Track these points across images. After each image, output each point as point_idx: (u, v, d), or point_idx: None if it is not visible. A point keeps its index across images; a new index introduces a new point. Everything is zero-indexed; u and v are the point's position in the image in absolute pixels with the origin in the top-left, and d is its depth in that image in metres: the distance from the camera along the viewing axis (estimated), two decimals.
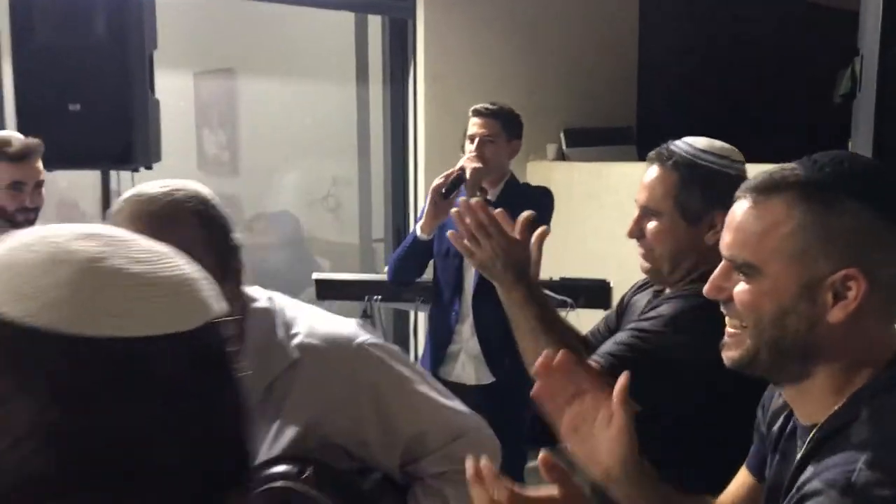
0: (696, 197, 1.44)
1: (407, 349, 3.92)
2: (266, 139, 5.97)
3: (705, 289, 1.06)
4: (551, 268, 4.46)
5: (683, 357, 1.35)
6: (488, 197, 2.68)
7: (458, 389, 2.65)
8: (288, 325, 1.19)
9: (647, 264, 1.55)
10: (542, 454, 1.01)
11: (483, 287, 2.64)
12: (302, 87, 5.26)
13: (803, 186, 0.99)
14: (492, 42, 4.31)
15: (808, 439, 1.00)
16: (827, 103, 2.78)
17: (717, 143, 1.51)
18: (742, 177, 1.43)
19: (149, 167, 2.96)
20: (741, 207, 1.03)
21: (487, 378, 2.69)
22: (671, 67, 5.04)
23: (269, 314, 1.19)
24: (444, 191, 2.58)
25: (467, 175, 2.58)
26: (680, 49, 5.09)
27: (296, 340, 1.18)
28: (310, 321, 1.21)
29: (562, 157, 4.60)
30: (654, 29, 5.03)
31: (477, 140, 2.65)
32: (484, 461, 1.01)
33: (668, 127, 4.98)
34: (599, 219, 4.25)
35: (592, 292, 3.08)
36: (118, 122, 2.69)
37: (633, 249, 4.16)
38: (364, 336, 1.23)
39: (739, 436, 1.22)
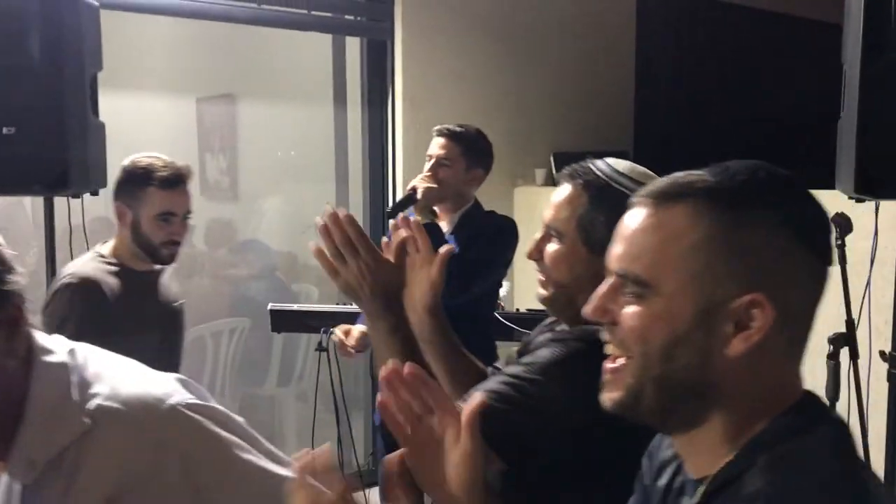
0: (602, 223, 1.27)
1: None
2: (261, 164, 5.90)
3: (586, 308, 0.91)
4: (531, 299, 4.31)
5: (555, 409, 1.17)
6: (441, 224, 2.53)
7: None
8: (85, 385, 1.03)
9: (542, 291, 1.37)
10: (389, 458, 0.98)
11: None
12: (292, 112, 5.17)
13: (711, 195, 0.86)
14: (475, 63, 4.17)
15: (696, 494, 0.86)
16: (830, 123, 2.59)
17: (640, 169, 1.37)
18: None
19: (94, 193, 2.85)
20: (637, 215, 0.90)
21: None
22: (670, 88, 4.86)
23: (64, 371, 1.03)
24: (389, 209, 2.44)
25: (418, 195, 2.43)
26: (679, 69, 4.92)
27: (92, 403, 1.01)
28: (115, 379, 1.05)
29: (552, 182, 4.42)
30: (652, 49, 4.85)
31: (433, 161, 2.50)
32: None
33: (667, 151, 4.86)
34: None
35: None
36: (52, 146, 2.56)
37: None
38: (180, 396, 1.06)
39: (617, 494, 1.05)
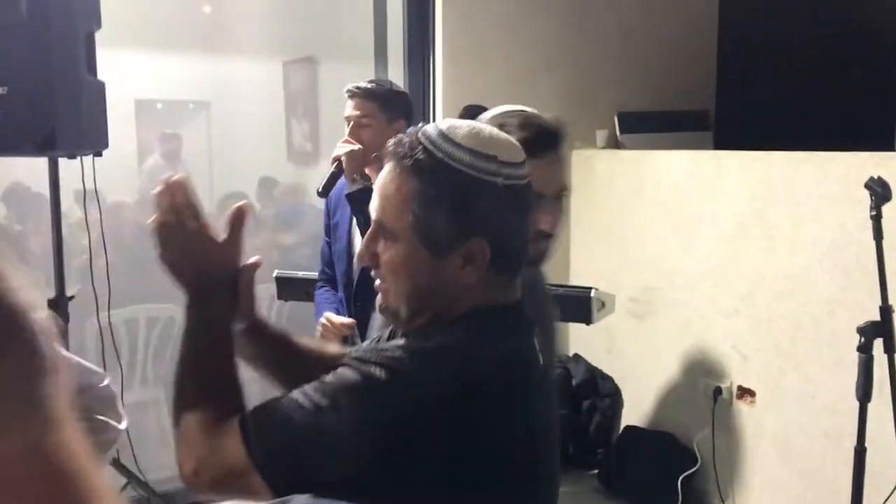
0: (442, 218, 1.02)
1: None
2: (338, 129, 5.84)
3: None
4: (586, 276, 4.04)
5: (335, 444, 0.96)
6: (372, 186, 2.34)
7: None
8: None
9: (380, 300, 1.11)
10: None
11: (365, 287, 2.30)
12: (365, 74, 5.05)
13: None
14: (525, 15, 3.87)
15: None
16: None
17: (486, 133, 1.05)
18: (517, 187, 1.04)
19: (98, 154, 2.83)
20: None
21: None
22: (760, 40, 4.37)
23: None
24: (319, 189, 2.30)
25: (344, 164, 2.27)
26: (771, 16, 4.42)
27: None
28: None
29: (615, 144, 4.09)
30: None
31: (351, 123, 2.32)
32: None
33: (755, 112, 4.39)
34: (643, 217, 3.73)
35: (571, 305, 2.64)
36: (40, 105, 2.53)
37: (682, 253, 3.61)
38: None
39: None
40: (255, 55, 6.72)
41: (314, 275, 2.85)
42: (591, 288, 2.67)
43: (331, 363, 1.09)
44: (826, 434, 2.94)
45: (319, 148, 6.07)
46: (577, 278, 4.15)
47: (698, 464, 3.42)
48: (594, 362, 4.03)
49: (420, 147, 1.03)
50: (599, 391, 3.92)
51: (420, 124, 1.07)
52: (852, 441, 2.87)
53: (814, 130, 3.28)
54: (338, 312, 2.48)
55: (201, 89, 6.98)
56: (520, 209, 1.05)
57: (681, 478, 3.36)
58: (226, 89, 6.79)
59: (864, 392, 1.96)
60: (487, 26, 3.80)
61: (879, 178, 1.98)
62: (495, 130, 1.08)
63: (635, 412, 3.87)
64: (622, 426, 3.86)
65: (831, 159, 2.91)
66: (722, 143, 4.33)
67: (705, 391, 3.42)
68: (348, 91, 2.42)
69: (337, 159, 2.33)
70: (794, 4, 4.38)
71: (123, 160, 6.54)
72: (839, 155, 2.89)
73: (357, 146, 2.32)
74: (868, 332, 1.96)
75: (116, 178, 6.11)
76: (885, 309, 2.01)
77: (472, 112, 3.25)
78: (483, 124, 1.09)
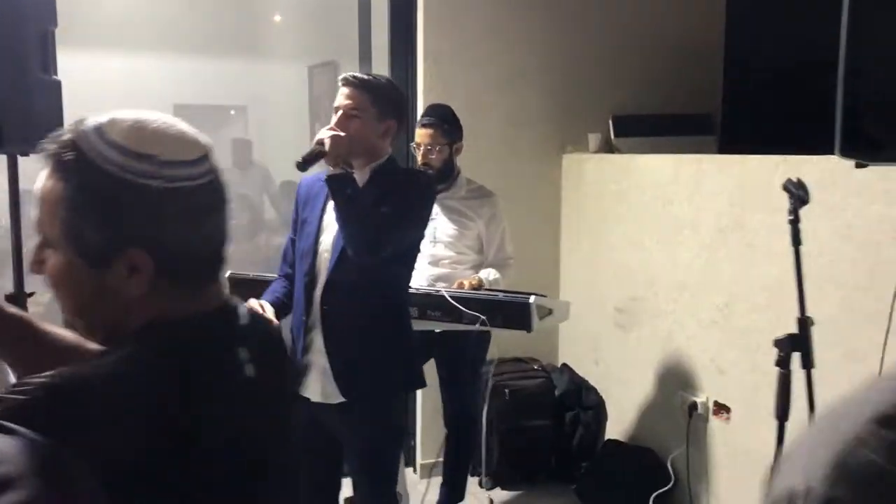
0: (92, 225, 0.90)
1: None
2: None
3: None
4: (574, 283, 3.92)
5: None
6: (355, 175, 2.27)
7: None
8: None
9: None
10: None
11: (333, 288, 2.24)
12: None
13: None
14: (512, 14, 3.79)
15: None
16: None
17: (152, 128, 0.92)
18: (185, 189, 0.91)
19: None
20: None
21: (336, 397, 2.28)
22: (767, 42, 4.17)
23: None
24: (300, 160, 2.20)
25: (326, 147, 2.19)
26: (778, 18, 4.21)
27: None
28: None
29: (609, 149, 3.96)
30: None
31: (340, 112, 2.25)
32: None
33: (766, 117, 4.21)
34: (628, 224, 3.60)
35: (511, 312, 2.54)
36: None
37: (666, 261, 3.49)
38: None
39: None
40: (286, 60, 6.82)
41: (270, 276, 2.82)
42: (530, 294, 2.57)
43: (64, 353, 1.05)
44: None
45: None
46: (567, 286, 4.04)
47: (671, 482, 3.27)
48: (581, 373, 3.91)
49: (71, 145, 0.90)
50: (583, 402, 3.79)
51: (81, 118, 0.94)
52: None
53: (825, 134, 3.10)
54: (283, 307, 2.43)
55: (237, 93, 7.11)
56: (189, 212, 0.92)
57: (653, 496, 3.21)
58: (260, 93, 6.90)
59: (783, 409, 1.81)
60: (473, 27, 3.72)
61: (798, 179, 1.84)
62: (171, 124, 0.94)
63: (619, 425, 3.73)
64: (606, 439, 3.73)
65: (806, 162, 2.74)
66: (727, 147, 4.16)
67: (682, 406, 3.26)
68: (343, 79, 2.33)
69: (321, 142, 2.24)
70: (804, 4, 4.17)
71: None
72: (814, 159, 2.72)
73: (341, 133, 2.24)
74: (785, 346, 1.81)
75: None
76: (802, 321, 1.85)
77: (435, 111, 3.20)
78: (156, 116, 0.95)
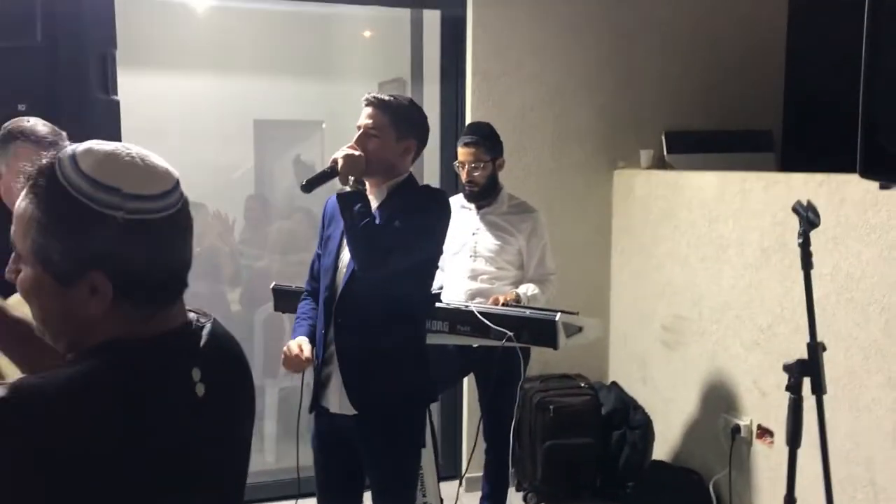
0: (57, 248, 0.97)
1: None
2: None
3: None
4: (624, 299, 3.87)
5: None
6: (371, 193, 2.34)
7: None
8: None
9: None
10: None
11: (346, 302, 2.30)
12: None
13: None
14: (560, 31, 3.81)
15: None
16: None
17: (122, 162, 0.99)
18: (147, 221, 0.99)
19: None
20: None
21: (352, 409, 2.34)
22: (828, 60, 4.05)
23: None
24: (304, 183, 2.28)
25: (339, 166, 2.26)
26: (840, 36, 4.08)
27: None
28: None
29: (662, 164, 3.92)
30: (807, 9, 4.08)
31: (361, 131, 2.31)
32: None
33: (827, 136, 4.12)
34: (675, 241, 3.56)
35: (537, 329, 2.55)
36: (50, 122, 2.75)
37: (710, 280, 3.45)
38: None
39: None
40: (357, 77, 6.98)
41: None
42: (557, 311, 2.56)
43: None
44: (839, 483, 2.67)
45: None
46: (617, 302, 4.01)
47: None
48: (629, 391, 3.86)
49: (48, 172, 0.97)
50: (630, 422, 3.75)
51: (67, 145, 1.02)
52: (866, 493, 2.61)
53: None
54: (314, 329, 2.50)
55: (313, 109, 7.32)
56: (149, 242, 0.99)
57: None
58: (335, 109, 7.09)
59: (794, 436, 1.77)
60: (521, 44, 3.75)
61: (808, 202, 1.79)
62: (139, 158, 1.01)
63: (665, 445, 3.67)
64: (652, 460, 3.67)
65: (847, 182, 2.66)
66: (789, 164, 4.05)
67: (725, 428, 3.20)
68: (365, 99, 2.39)
69: (334, 161, 2.31)
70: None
71: (234, 174, 6.96)
72: (856, 178, 2.64)
73: (358, 152, 2.31)
74: (795, 371, 1.77)
75: (226, 190, 6.52)
76: (812, 346, 1.81)
77: (473, 129, 3.23)
78: (130, 150, 1.02)
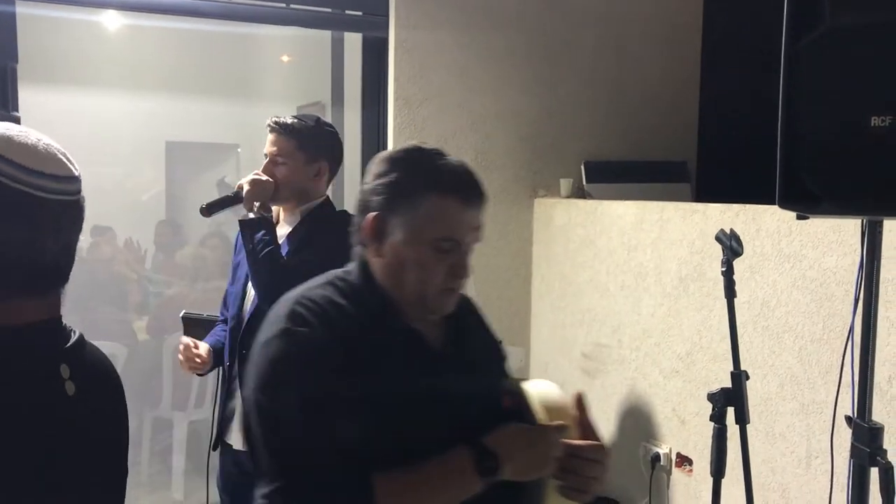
0: None
1: None
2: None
3: None
4: (544, 328, 3.88)
5: None
6: (284, 223, 2.26)
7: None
8: None
9: None
10: None
11: (251, 332, 2.20)
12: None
13: None
14: (485, 57, 3.81)
15: None
16: None
17: (13, 137, 0.98)
18: (11, 189, 0.94)
19: None
20: None
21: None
22: (741, 90, 4.18)
23: None
24: (204, 206, 2.20)
25: (244, 192, 2.18)
26: (751, 67, 4.24)
27: None
28: None
29: (581, 194, 3.95)
30: (723, 36, 4.21)
31: (267, 159, 2.24)
32: None
33: (736, 162, 4.19)
34: (595, 269, 3.57)
35: None
36: None
37: (630, 308, 3.42)
38: None
39: None
40: (275, 100, 6.87)
41: (218, 315, 2.79)
42: None
43: None
44: None
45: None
46: (537, 330, 4.00)
47: None
48: None
49: None
50: None
51: None
52: None
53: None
54: (220, 345, 2.41)
55: (228, 132, 7.15)
56: (3, 211, 0.94)
57: None
58: (253, 132, 6.94)
59: (718, 465, 1.76)
60: (443, 71, 3.74)
61: (731, 230, 1.81)
62: (36, 138, 0.99)
63: None
64: None
65: (764, 212, 2.72)
66: (704, 195, 4.14)
67: (645, 457, 3.20)
68: (268, 125, 2.32)
69: (240, 187, 2.24)
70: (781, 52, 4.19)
71: (144, 196, 6.72)
72: (773, 208, 2.70)
73: (265, 178, 2.23)
74: (719, 401, 1.77)
75: (135, 213, 6.28)
76: (736, 375, 1.81)
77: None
78: (29, 133, 1.00)
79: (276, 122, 2.24)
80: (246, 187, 2.17)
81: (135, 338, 4.31)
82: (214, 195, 5.63)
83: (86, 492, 1.00)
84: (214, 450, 2.32)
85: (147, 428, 4.10)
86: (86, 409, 1.01)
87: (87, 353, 1.06)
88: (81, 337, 1.05)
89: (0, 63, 2.73)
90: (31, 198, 0.95)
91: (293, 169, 2.21)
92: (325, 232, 2.21)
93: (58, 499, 0.95)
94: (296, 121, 2.25)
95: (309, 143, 2.24)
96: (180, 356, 2.31)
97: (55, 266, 1.00)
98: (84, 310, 3.88)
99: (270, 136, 2.25)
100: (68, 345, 1.01)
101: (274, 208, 2.26)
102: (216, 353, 2.36)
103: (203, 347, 2.31)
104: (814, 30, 1.76)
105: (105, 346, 3.77)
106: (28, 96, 3.08)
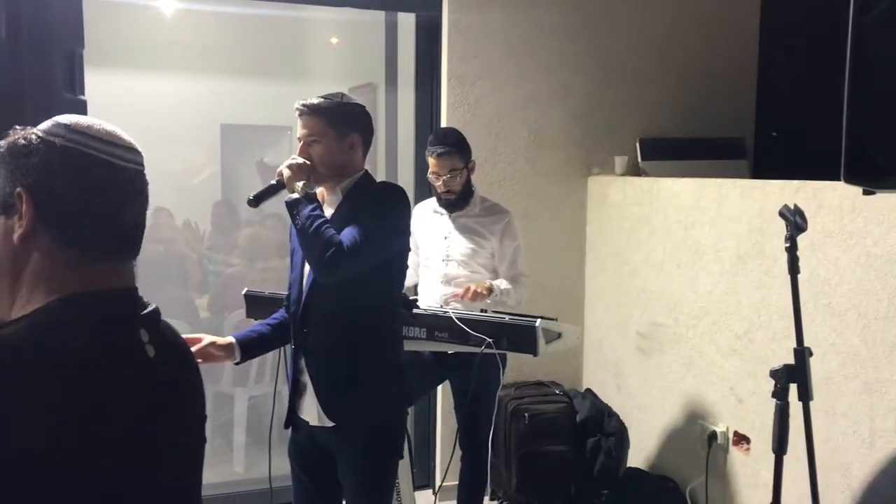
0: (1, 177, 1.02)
1: None
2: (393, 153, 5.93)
3: None
4: (598, 307, 3.86)
5: None
6: (327, 198, 2.29)
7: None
8: None
9: None
10: None
11: (310, 311, 2.25)
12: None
13: None
14: (538, 36, 3.79)
15: None
16: None
17: (87, 120, 1.06)
18: (82, 153, 1.02)
19: None
20: None
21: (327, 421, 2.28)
22: (801, 67, 4.09)
23: None
24: (251, 197, 2.23)
25: (284, 176, 2.20)
26: (812, 42, 4.13)
27: None
28: None
29: (636, 171, 3.92)
30: (780, 18, 4.11)
31: (301, 142, 2.26)
32: None
33: (796, 138, 4.10)
34: (651, 248, 3.55)
35: (518, 335, 2.52)
36: (15, 121, 2.66)
37: (686, 287, 3.41)
38: None
39: None
40: (326, 82, 6.92)
41: (283, 294, 2.84)
42: (537, 317, 2.53)
43: None
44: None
45: (375, 169, 6.20)
46: (591, 309, 3.99)
47: None
48: (604, 398, 3.84)
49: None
50: (605, 429, 3.73)
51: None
52: (843, 498, 2.61)
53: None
54: (262, 338, 2.43)
55: (280, 114, 7.24)
56: (85, 179, 1.00)
57: None
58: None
59: (780, 442, 1.75)
60: (497, 49, 3.73)
61: (795, 206, 1.78)
62: (104, 125, 1.07)
63: (641, 453, 3.66)
64: (627, 467, 3.66)
65: (825, 188, 2.67)
66: (761, 172, 4.08)
67: (701, 435, 3.19)
68: (297, 109, 2.33)
69: (280, 174, 2.25)
70: (840, 28, 4.08)
71: (197, 177, 6.86)
72: (834, 185, 2.65)
73: (302, 160, 2.25)
74: (781, 377, 1.75)
75: (192, 195, 6.41)
76: (799, 351, 1.79)
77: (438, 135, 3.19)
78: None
79: (303, 105, 2.26)
80: (286, 172, 2.19)
81: (196, 315, 4.41)
82: (256, 177, 5.73)
83: (170, 454, 1.04)
84: (286, 427, 2.37)
85: (208, 403, 4.21)
86: (165, 373, 1.05)
87: (163, 323, 1.10)
88: (157, 308, 1.09)
89: (68, 47, 2.78)
90: (112, 166, 1.02)
91: (327, 146, 2.22)
92: (369, 206, 2.22)
93: (146, 459, 0.99)
94: (321, 100, 2.26)
95: (337, 118, 2.25)
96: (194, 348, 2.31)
97: (133, 235, 1.06)
98: (148, 288, 3.98)
99: (300, 120, 2.27)
100: (145, 312, 1.06)
101: (318, 191, 2.29)
102: (245, 347, 2.37)
103: (221, 340, 2.35)
104: (882, 1, 1.72)
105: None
106: (92, 80, 3.15)
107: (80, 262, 1.00)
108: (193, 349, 2.20)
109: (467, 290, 2.93)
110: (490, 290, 2.98)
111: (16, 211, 0.99)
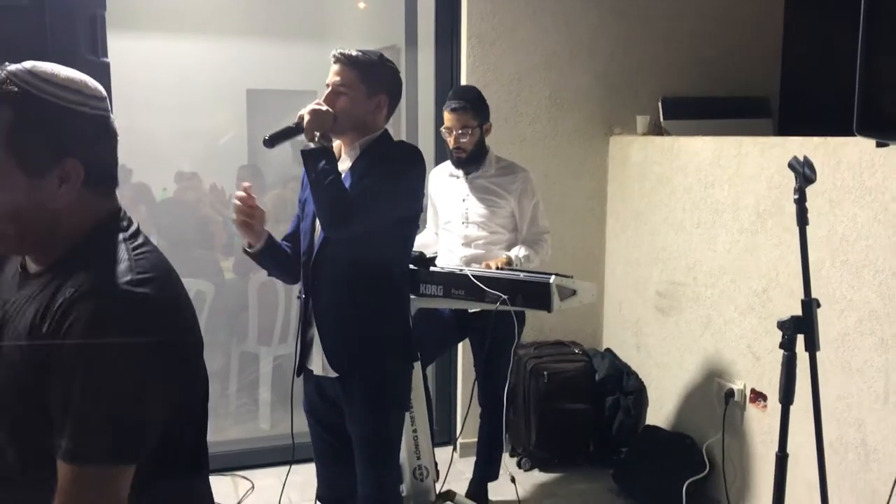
0: (36, 141, 1.11)
1: None
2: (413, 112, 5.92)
3: None
4: (618, 267, 3.86)
5: None
6: (345, 155, 2.31)
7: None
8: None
9: None
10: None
11: (321, 263, 2.28)
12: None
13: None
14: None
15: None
16: None
17: (66, 73, 1.15)
18: (102, 117, 1.17)
19: None
20: None
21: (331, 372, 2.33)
22: (825, 27, 4.02)
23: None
24: (267, 137, 2.22)
25: (305, 122, 2.21)
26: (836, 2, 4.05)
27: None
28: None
29: (658, 131, 3.90)
30: None
31: (330, 89, 2.26)
32: None
33: (821, 97, 4.05)
34: (670, 207, 3.55)
35: (532, 292, 2.54)
36: None
37: (705, 245, 3.42)
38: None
39: None
40: (351, 44, 6.90)
41: None
42: (551, 274, 2.55)
43: None
44: (830, 445, 2.68)
45: (401, 131, 6.20)
46: (612, 269, 4.00)
47: (706, 469, 3.22)
48: (623, 357, 3.87)
49: (8, 81, 1.09)
50: (624, 388, 3.77)
51: (5, 64, 1.13)
52: (857, 454, 2.63)
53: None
54: (275, 247, 2.43)
55: (305, 79, 7.25)
56: (107, 136, 1.17)
57: (686, 483, 3.17)
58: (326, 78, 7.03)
59: (787, 393, 1.77)
60: (517, 8, 3.71)
61: (805, 157, 1.78)
62: (71, 71, 1.17)
63: (659, 411, 3.69)
64: (645, 425, 3.69)
65: (844, 144, 2.65)
66: (786, 131, 4.03)
67: (718, 393, 3.21)
68: (333, 56, 2.31)
69: (300, 117, 2.24)
70: None
71: (222, 139, 6.91)
72: (854, 140, 2.63)
73: (325, 108, 2.24)
74: (789, 328, 1.77)
75: (217, 158, 6.48)
76: (807, 303, 1.80)
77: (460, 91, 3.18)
78: (61, 68, 1.17)
79: (341, 53, 2.25)
80: (307, 117, 2.19)
81: (222, 277, 4.48)
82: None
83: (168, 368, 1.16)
84: (298, 376, 2.43)
85: (234, 362, 4.30)
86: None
87: (145, 239, 1.23)
88: (138, 226, 1.24)
89: (90, 10, 2.82)
90: (101, 119, 1.16)
91: (354, 100, 2.23)
92: (384, 164, 2.24)
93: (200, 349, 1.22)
94: (360, 53, 2.26)
95: (372, 75, 2.25)
96: (236, 201, 2.31)
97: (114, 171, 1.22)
98: (175, 250, 4.06)
99: (334, 67, 2.26)
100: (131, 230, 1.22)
101: (335, 144, 2.30)
102: (269, 244, 2.38)
103: (264, 228, 2.35)
104: None
105: (195, 284, 3.93)
106: (115, 43, 3.19)
107: (96, 199, 1.18)
108: (249, 205, 2.32)
109: (487, 267, 2.94)
110: (509, 262, 2.99)
111: (49, 176, 1.11)
